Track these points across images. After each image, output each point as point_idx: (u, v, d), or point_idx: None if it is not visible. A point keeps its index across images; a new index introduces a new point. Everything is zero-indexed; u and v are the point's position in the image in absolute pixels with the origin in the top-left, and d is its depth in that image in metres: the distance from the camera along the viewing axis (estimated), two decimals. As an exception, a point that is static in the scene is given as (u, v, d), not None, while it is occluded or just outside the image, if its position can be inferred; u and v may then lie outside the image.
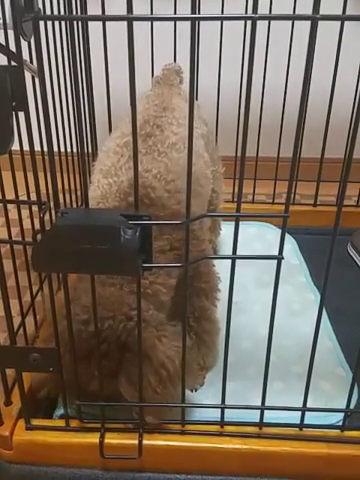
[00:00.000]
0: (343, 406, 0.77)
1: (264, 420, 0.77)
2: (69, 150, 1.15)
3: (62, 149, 1.11)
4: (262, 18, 0.49)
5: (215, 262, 1.13)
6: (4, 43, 0.67)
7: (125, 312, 0.73)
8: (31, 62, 0.80)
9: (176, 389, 0.74)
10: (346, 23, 1.14)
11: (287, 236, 1.36)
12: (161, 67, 1.18)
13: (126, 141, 0.86)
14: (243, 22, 1.14)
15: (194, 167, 0.57)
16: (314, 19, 0.51)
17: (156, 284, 0.78)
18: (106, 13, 1.08)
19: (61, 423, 0.78)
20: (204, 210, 0.95)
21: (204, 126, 1.08)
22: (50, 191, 0.61)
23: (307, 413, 0.77)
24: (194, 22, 0.47)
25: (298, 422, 0.78)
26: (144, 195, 0.78)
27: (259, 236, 1.37)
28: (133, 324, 0.72)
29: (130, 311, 0.73)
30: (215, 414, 0.77)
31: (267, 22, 1.21)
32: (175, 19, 0.56)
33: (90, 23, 1.22)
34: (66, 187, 1.16)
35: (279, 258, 0.63)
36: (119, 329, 0.72)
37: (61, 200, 1.06)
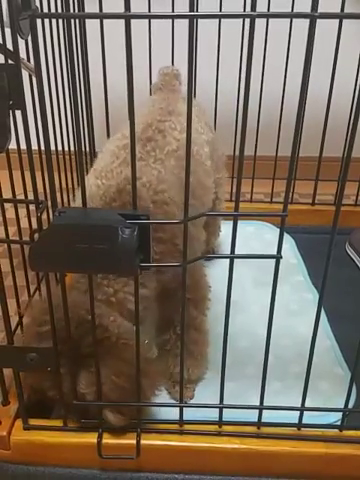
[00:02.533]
0: (341, 406, 0.77)
1: (262, 420, 0.77)
2: (67, 149, 1.15)
3: (60, 148, 1.11)
4: (260, 16, 0.48)
5: (213, 261, 1.13)
6: (1, 41, 0.67)
7: (80, 315, 0.70)
8: (28, 60, 0.79)
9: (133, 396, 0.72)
10: (345, 21, 1.14)
11: (285, 235, 1.35)
12: (158, 70, 1.17)
13: (125, 143, 0.84)
14: (242, 21, 1.14)
15: (191, 177, 0.56)
16: (312, 17, 0.50)
17: (122, 292, 0.75)
18: (104, 11, 1.08)
19: (59, 423, 0.78)
20: (199, 224, 0.90)
21: (210, 133, 1.06)
22: (48, 190, 0.61)
23: (305, 413, 0.77)
24: (192, 20, 0.47)
25: (296, 422, 0.77)
26: (129, 202, 0.75)
27: (257, 235, 1.37)
28: (84, 329, 0.70)
29: (86, 315, 0.70)
30: (213, 414, 0.77)
31: (266, 20, 1.22)
32: (173, 17, 0.56)
33: (88, 21, 1.21)
34: (64, 186, 1.15)
35: (277, 257, 0.63)
36: (72, 331, 0.69)
37: (59, 199, 1.06)
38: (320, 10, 0.51)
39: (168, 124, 0.90)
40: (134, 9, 0.50)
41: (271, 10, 1.19)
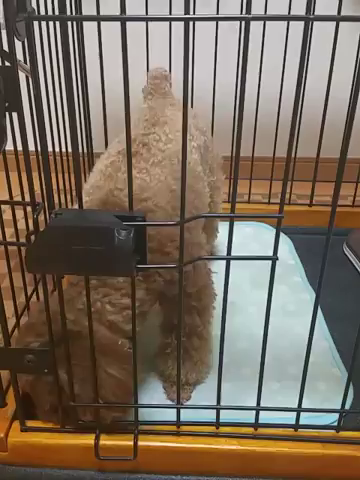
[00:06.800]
0: (338, 406, 0.77)
1: (259, 421, 0.77)
2: (64, 150, 1.15)
3: (57, 149, 1.11)
4: (255, 18, 0.49)
5: (211, 262, 1.13)
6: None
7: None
8: (25, 62, 0.79)
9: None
10: (343, 23, 1.14)
11: (283, 236, 1.37)
12: (148, 73, 1.17)
13: (112, 161, 0.85)
14: (239, 23, 1.14)
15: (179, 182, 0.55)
16: (308, 19, 0.51)
17: (100, 302, 0.76)
18: (101, 13, 1.08)
19: (56, 425, 0.77)
20: (195, 227, 0.87)
21: (201, 136, 1.04)
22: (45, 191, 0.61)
23: (302, 413, 0.77)
24: (187, 22, 0.47)
25: (293, 423, 0.78)
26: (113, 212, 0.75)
27: (255, 236, 1.37)
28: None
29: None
30: (210, 415, 0.77)
31: (262, 23, 1.22)
32: (168, 19, 0.56)
33: (86, 24, 1.21)
34: (61, 187, 1.15)
35: (273, 259, 0.63)
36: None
37: (56, 200, 1.06)
38: (318, 12, 0.51)
39: (152, 137, 0.90)
40: (132, 11, 0.50)
41: (268, 12, 1.19)
